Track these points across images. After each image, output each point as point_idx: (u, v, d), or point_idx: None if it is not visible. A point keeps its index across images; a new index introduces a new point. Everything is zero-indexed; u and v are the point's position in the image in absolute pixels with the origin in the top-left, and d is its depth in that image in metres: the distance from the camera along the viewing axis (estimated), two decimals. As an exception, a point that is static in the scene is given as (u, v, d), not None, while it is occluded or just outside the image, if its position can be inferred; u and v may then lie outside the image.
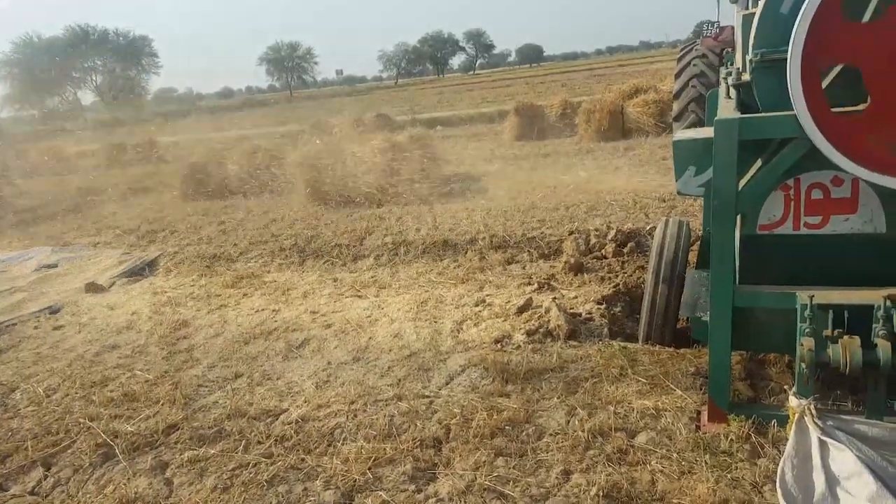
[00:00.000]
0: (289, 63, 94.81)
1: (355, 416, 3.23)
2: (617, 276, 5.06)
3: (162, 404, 3.60)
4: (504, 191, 9.01)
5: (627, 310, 4.49)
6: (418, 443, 2.91)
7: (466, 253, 6.09)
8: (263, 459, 2.95)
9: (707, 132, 2.78)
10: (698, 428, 2.78)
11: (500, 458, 2.74)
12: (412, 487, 2.62)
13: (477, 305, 4.69)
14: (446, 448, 2.87)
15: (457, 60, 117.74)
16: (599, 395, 3.17)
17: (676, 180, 2.95)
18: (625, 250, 5.52)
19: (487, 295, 4.92)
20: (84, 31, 67.20)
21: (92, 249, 8.16)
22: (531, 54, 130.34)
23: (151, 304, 5.55)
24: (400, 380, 3.59)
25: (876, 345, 2.31)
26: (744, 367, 3.29)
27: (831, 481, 2.23)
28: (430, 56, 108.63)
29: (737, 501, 2.29)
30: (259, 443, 3.10)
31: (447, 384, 3.50)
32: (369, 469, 2.76)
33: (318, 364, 3.97)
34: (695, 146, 2.83)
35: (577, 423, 2.93)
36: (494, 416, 3.04)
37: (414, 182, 9.29)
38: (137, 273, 6.81)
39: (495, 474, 2.63)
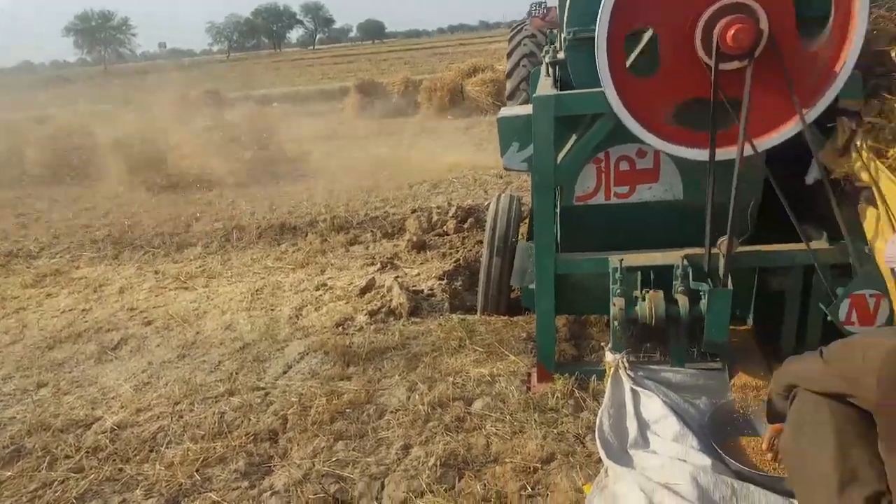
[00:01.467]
0: (101, 34, 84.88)
1: (181, 417, 2.98)
2: (458, 251, 5.17)
3: (-59, 429, 3.05)
4: (346, 170, 8.83)
5: (468, 283, 4.60)
6: (252, 437, 2.75)
7: (307, 236, 5.88)
8: (73, 475, 2.62)
9: (528, 109, 2.87)
10: (529, 389, 2.92)
11: (340, 441, 2.67)
12: (245, 484, 2.47)
13: (318, 289, 4.54)
14: (283, 439, 2.74)
15: (295, 34, 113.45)
16: (439, 368, 3.21)
17: (502, 156, 3.03)
18: (465, 226, 5.67)
19: (329, 278, 4.79)
20: None
21: None
22: (373, 30, 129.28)
23: (-73, 313, 4.69)
24: (232, 374, 3.37)
25: (676, 300, 2.57)
26: (569, 329, 3.51)
27: (642, 426, 2.45)
28: (265, 29, 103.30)
29: (562, 454, 2.44)
30: (67, 457, 2.75)
31: (284, 373, 3.35)
32: (197, 471, 2.55)
33: (138, 365, 3.60)
34: (517, 123, 2.91)
35: (417, 397, 2.94)
36: (334, 401, 2.96)
37: (247, 162, 8.77)
38: None
39: (334, 459, 2.56)
